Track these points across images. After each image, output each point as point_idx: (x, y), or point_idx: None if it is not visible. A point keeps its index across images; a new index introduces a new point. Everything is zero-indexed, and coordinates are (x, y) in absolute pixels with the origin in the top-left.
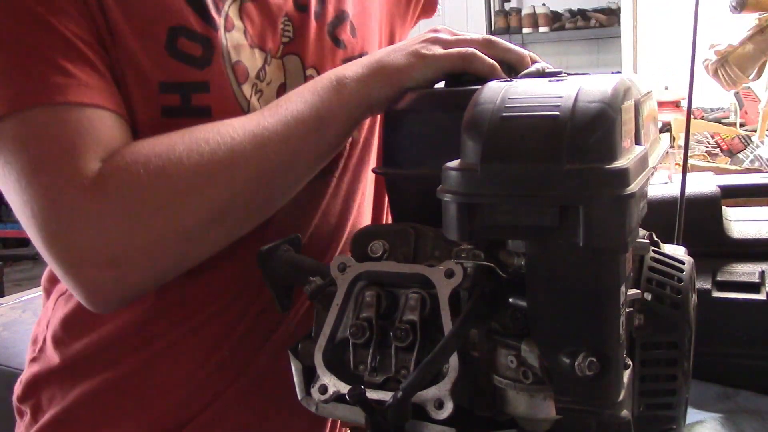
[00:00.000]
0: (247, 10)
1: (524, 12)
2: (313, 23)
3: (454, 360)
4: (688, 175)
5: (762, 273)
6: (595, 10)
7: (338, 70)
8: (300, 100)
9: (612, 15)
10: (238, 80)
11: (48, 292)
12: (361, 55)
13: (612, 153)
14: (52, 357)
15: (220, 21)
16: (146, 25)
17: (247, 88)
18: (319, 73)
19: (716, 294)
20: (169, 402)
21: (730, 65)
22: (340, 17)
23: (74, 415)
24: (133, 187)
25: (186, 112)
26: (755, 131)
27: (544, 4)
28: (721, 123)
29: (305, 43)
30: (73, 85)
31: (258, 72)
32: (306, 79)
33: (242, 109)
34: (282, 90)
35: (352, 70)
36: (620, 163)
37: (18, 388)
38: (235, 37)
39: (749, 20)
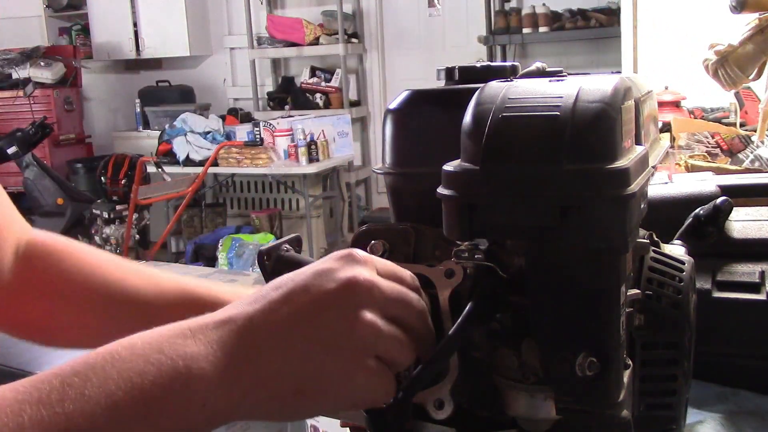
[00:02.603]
0: None
1: (524, 12)
2: None
3: (454, 360)
4: (688, 175)
5: (762, 273)
6: (595, 10)
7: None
8: (120, 378)
9: (612, 15)
10: None
11: None
12: None
13: (612, 153)
14: None
15: None
16: None
17: None
18: None
19: (716, 294)
20: None
21: (730, 65)
22: None
23: None
24: None
25: None
26: (755, 131)
27: (544, 4)
28: (721, 123)
29: None
30: None
31: None
32: None
33: None
34: None
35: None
36: (620, 163)
37: None
38: None
39: (749, 20)
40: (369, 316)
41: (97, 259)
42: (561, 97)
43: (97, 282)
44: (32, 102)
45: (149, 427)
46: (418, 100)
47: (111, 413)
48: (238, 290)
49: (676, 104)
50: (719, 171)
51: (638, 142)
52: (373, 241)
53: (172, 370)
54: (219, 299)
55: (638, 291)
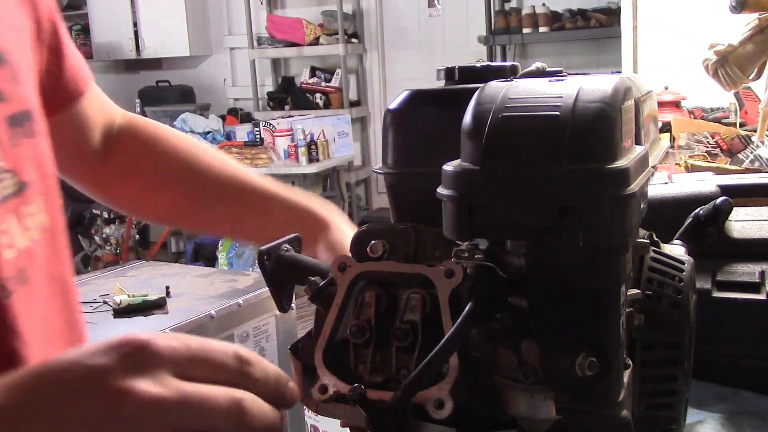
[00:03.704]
0: None
1: (524, 12)
2: None
3: (454, 360)
4: (688, 175)
5: (762, 273)
6: (595, 10)
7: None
8: None
9: (612, 15)
10: None
11: None
12: (27, 112)
13: (612, 153)
14: None
15: None
16: None
17: None
18: None
19: (716, 294)
20: None
21: (730, 65)
22: None
23: None
24: None
25: None
26: (755, 131)
27: (544, 4)
28: (721, 123)
29: None
30: None
31: None
32: None
33: None
34: None
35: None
36: (620, 163)
37: None
38: None
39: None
40: (143, 386)
41: (184, 144)
42: (561, 97)
43: (181, 165)
44: None
45: None
46: (418, 100)
47: None
48: (297, 198)
49: (676, 104)
50: (719, 171)
51: (638, 142)
52: (373, 241)
53: None
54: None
55: (638, 291)
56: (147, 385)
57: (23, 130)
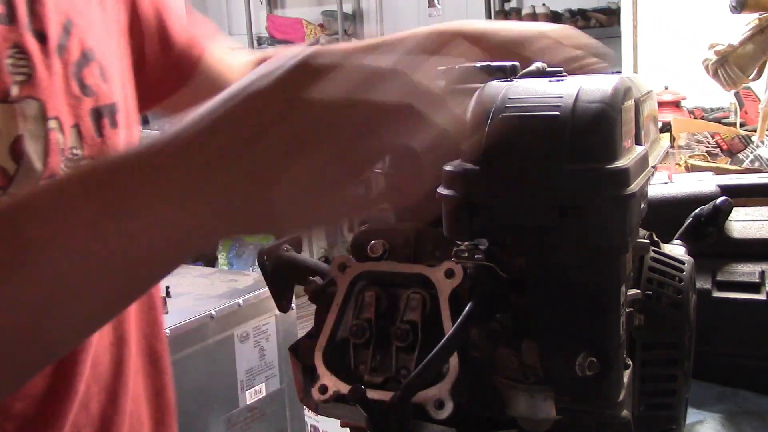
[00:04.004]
0: None
1: (524, 12)
2: (56, 60)
3: (454, 360)
4: (688, 175)
5: (762, 273)
6: (595, 10)
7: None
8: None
9: (612, 15)
10: None
11: None
12: (112, 106)
13: (612, 153)
14: None
15: None
16: None
17: None
18: (62, 127)
19: (716, 294)
20: None
21: (730, 65)
22: (87, 56)
23: None
24: None
25: None
26: (755, 131)
27: (544, 4)
28: (721, 123)
29: (46, 85)
30: None
31: None
32: (49, 132)
33: None
34: (18, 146)
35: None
36: (620, 163)
37: None
38: None
39: (749, 20)
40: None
41: None
42: (561, 97)
43: None
44: None
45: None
46: None
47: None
48: None
49: (676, 104)
50: (719, 171)
51: (638, 142)
52: (373, 241)
53: (147, 170)
54: None
55: (638, 291)
56: (323, 89)
57: (107, 121)
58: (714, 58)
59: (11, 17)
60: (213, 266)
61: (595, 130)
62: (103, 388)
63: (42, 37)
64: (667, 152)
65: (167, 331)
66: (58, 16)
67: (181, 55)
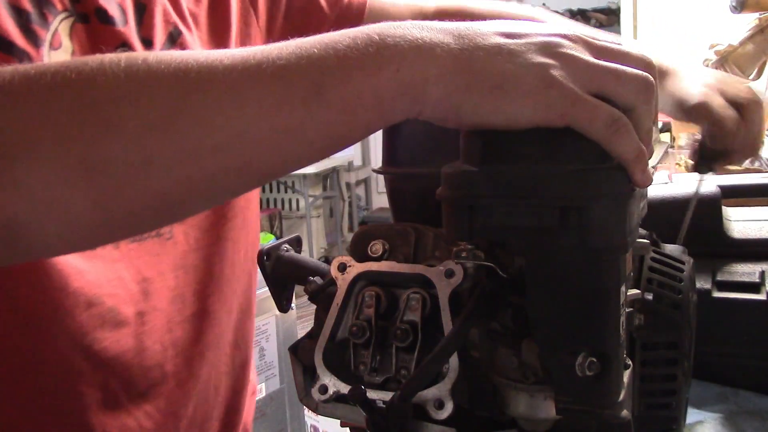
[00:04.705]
0: (78, 31)
1: None
2: None
3: (454, 360)
4: (688, 175)
5: (762, 273)
6: (595, 10)
7: (388, 29)
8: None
9: (612, 15)
10: None
11: None
12: None
13: None
14: None
15: (46, 36)
16: None
17: None
18: None
19: (716, 294)
20: None
21: (730, 65)
22: None
23: None
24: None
25: None
26: None
27: (543, 5)
28: None
29: None
30: None
31: None
32: None
33: None
34: None
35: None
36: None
37: None
38: (60, 57)
39: (749, 20)
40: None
41: None
42: None
43: None
44: None
45: (340, 82)
46: None
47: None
48: None
49: None
50: (719, 171)
51: None
52: (373, 241)
53: (366, 37)
54: None
55: (638, 291)
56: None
57: None
58: (714, 58)
59: (123, 21)
60: None
61: None
62: (179, 352)
63: (148, 44)
64: (667, 152)
65: None
66: (165, 25)
67: (347, 9)
